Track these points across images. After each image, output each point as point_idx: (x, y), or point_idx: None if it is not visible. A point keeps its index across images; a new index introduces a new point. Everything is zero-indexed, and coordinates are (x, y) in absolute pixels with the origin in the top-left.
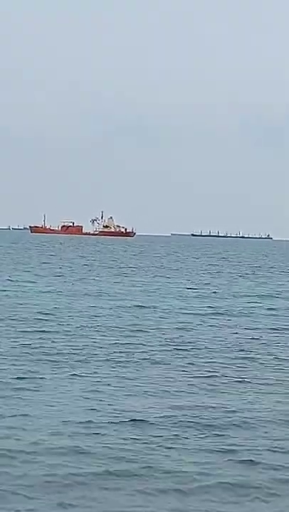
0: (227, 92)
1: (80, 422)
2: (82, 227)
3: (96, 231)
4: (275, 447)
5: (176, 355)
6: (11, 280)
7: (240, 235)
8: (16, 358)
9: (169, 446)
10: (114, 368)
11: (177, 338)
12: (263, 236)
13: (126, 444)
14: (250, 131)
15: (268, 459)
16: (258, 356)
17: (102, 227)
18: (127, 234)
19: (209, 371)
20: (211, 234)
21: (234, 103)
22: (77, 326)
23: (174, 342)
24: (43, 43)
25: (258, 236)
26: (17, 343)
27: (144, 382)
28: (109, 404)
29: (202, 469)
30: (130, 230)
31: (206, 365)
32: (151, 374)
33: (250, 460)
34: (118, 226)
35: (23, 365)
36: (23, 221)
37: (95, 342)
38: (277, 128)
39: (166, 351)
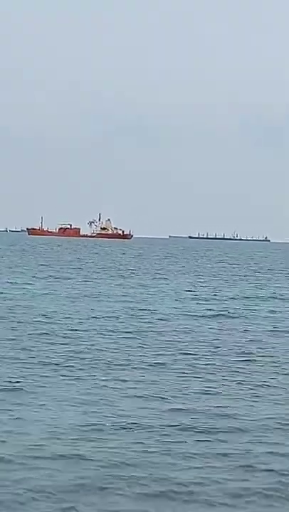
0: (227, 92)
1: (78, 426)
2: (79, 229)
3: (93, 233)
4: (275, 452)
5: (176, 358)
6: (10, 282)
7: (238, 238)
8: (13, 361)
9: (167, 450)
10: (112, 371)
11: (176, 340)
12: (261, 238)
13: (124, 448)
14: (250, 131)
15: (267, 464)
16: (258, 359)
17: (99, 229)
18: (124, 236)
19: (208, 374)
20: (209, 236)
21: (234, 103)
22: (75, 329)
23: (173, 345)
24: (43, 43)
25: (255, 238)
26: (15, 346)
27: (143, 386)
28: (107, 408)
29: (200, 474)
30: (128, 233)
31: (205, 368)
32: (150, 377)
33: (250, 465)
34: (115, 228)
35: (21, 368)
36: (20, 223)
37: (93, 345)
38: (277, 128)
39: (165, 354)
